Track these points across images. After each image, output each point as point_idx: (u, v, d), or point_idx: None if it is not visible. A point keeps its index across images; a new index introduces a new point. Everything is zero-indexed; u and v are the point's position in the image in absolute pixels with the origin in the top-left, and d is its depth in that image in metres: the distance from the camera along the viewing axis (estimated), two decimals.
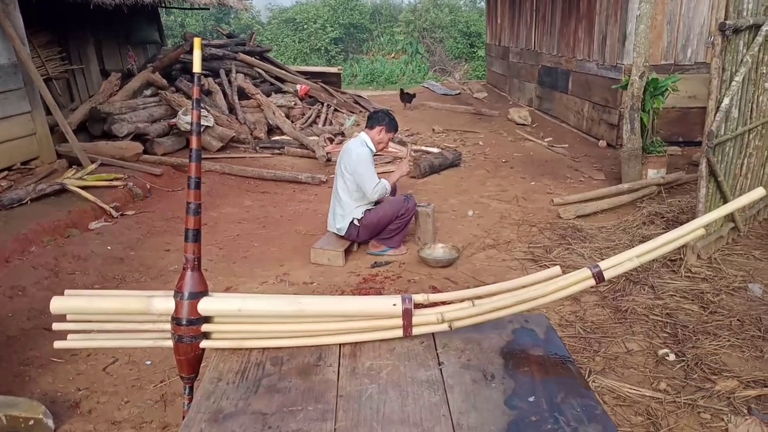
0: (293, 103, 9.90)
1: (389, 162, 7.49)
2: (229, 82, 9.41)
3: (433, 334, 1.57)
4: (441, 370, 1.44)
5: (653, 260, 4.03)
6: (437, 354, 1.51)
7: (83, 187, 5.54)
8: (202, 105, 7.67)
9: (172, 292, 1.52)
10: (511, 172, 7.02)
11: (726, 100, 3.81)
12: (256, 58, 10.79)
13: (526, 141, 8.73)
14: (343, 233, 4.55)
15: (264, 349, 1.55)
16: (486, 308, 1.50)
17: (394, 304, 1.50)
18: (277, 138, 8.61)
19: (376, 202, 4.55)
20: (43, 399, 2.78)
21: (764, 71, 4.22)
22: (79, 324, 1.54)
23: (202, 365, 1.58)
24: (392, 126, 4.53)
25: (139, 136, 7.27)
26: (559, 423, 1.24)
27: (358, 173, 4.34)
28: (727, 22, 3.64)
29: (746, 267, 4.06)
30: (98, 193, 5.53)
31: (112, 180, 5.91)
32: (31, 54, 6.47)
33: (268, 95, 9.84)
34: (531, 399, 1.32)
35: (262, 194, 6.43)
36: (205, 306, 1.50)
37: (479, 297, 1.54)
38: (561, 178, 6.65)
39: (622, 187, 5.70)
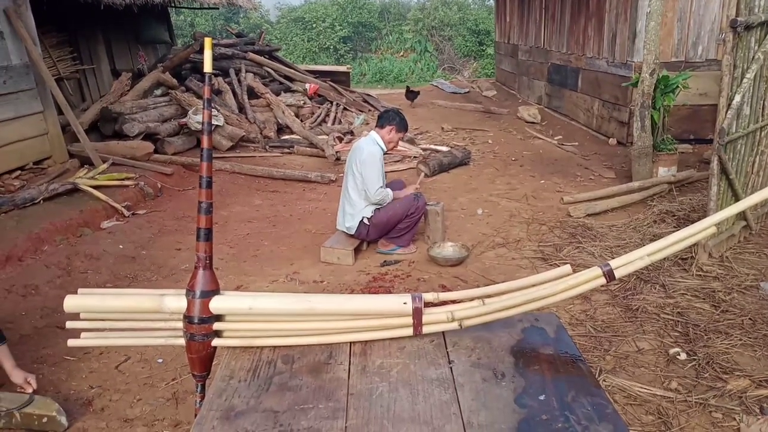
0: (302, 102, 9.92)
1: (398, 161, 7.49)
2: (239, 81, 9.44)
3: (443, 332, 1.58)
4: (451, 368, 1.45)
5: (664, 259, 4.00)
6: (447, 352, 1.52)
7: (95, 187, 5.58)
8: (212, 104, 7.71)
9: (183, 291, 1.53)
10: (520, 170, 7.00)
11: (737, 98, 3.79)
12: (265, 57, 10.82)
13: (536, 139, 8.71)
14: (352, 232, 4.56)
15: (275, 347, 1.56)
16: (496, 307, 1.50)
17: (405, 303, 1.51)
18: (286, 137, 8.63)
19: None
20: (57, 397, 2.80)
21: None
22: (92, 322, 1.55)
23: (213, 363, 1.59)
24: (402, 125, 4.53)
25: (149, 136, 7.31)
26: (569, 422, 1.24)
27: (365, 172, 4.34)
28: (739, 18, 3.62)
29: (758, 265, 4.03)
30: (110, 193, 5.57)
31: (123, 179, 5.95)
32: (42, 54, 6.52)
33: (278, 94, 9.86)
34: (541, 397, 1.32)
35: (271, 193, 6.45)
36: (216, 304, 1.51)
37: (489, 296, 1.54)
38: (571, 176, 6.62)
39: (632, 186, 5.67)
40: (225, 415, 1.30)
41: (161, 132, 7.45)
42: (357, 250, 4.58)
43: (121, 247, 4.79)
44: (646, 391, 2.76)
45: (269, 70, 10.55)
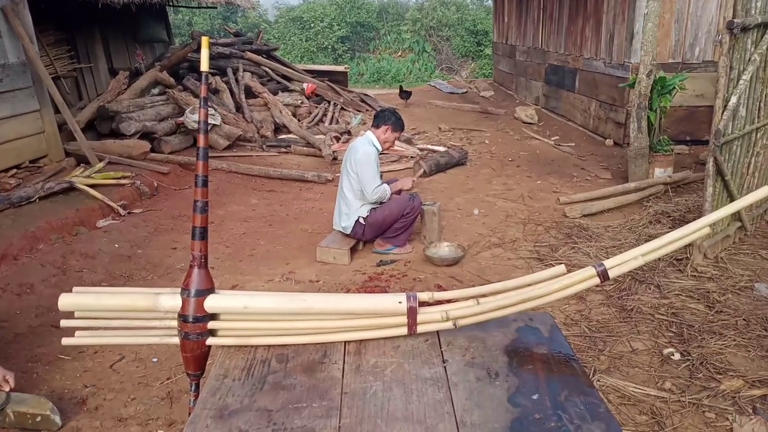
0: (300, 101, 9.92)
1: (395, 161, 7.49)
2: (237, 80, 9.44)
3: (437, 332, 1.58)
4: (445, 367, 1.45)
5: (659, 259, 4.02)
6: (441, 352, 1.52)
7: (91, 185, 5.57)
8: (209, 103, 7.70)
9: (178, 290, 1.53)
10: (517, 170, 7.01)
11: (733, 99, 3.80)
12: (263, 56, 10.82)
13: (533, 139, 8.72)
14: (348, 232, 4.56)
15: (269, 346, 1.56)
16: (490, 306, 1.50)
17: (399, 302, 1.51)
18: (283, 136, 8.63)
19: (381, 201, 4.55)
20: (51, 396, 2.80)
21: None
22: (86, 321, 1.55)
23: (208, 362, 1.60)
24: (398, 125, 4.53)
25: (146, 135, 7.30)
26: (562, 421, 1.24)
27: (361, 172, 4.35)
28: (735, 20, 3.63)
29: (753, 266, 4.04)
30: (106, 191, 5.57)
31: (119, 178, 5.94)
32: (39, 52, 6.51)
33: (275, 94, 9.86)
34: (535, 397, 1.33)
35: (268, 192, 6.45)
36: (211, 303, 1.51)
37: (484, 295, 1.54)
38: (567, 176, 6.63)
39: (628, 186, 5.68)
40: (219, 414, 1.30)
41: (158, 131, 7.44)
42: (353, 250, 4.58)
43: (116, 245, 4.79)
44: (640, 391, 2.77)
45: (267, 69, 10.54)
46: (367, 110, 10.68)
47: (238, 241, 5.00)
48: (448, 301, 1.56)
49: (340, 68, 13.42)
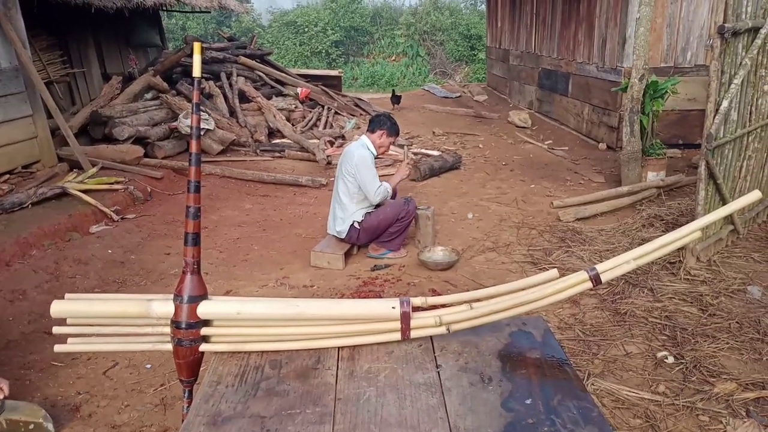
0: (294, 106, 9.92)
1: (389, 165, 7.50)
2: (230, 85, 9.43)
3: (431, 337, 1.58)
4: (439, 372, 1.45)
5: (652, 263, 4.04)
6: (435, 357, 1.52)
7: (84, 191, 5.55)
8: (202, 108, 7.69)
9: (171, 296, 1.53)
10: (510, 174, 7.03)
11: (725, 103, 3.82)
12: (256, 61, 10.82)
13: (526, 144, 8.75)
14: (343, 236, 4.56)
15: (263, 352, 1.56)
16: (483, 311, 1.50)
17: (393, 308, 1.51)
18: (277, 141, 8.62)
19: (377, 205, 4.56)
20: (44, 403, 2.78)
21: (763, 74, 4.23)
22: (79, 327, 1.55)
23: (201, 369, 1.59)
24: (393, 130, 4.54)
25: (139, 140, 7.29)
26: (555, 425, 1.24)
27: (361, 176, 4.35)
28: (726, 25, 3.65)
29: (745, 269, 4.06)
30: (99, 197, 5.55)
31: (112, 183, 5.92)
32: (32, 57, 6.49)
33: (269, 98, 9.86)
34: (528, 401, 1.33)
35: (262, 197, 6.44)
36: (204, 309, 1.51)
37: (477, 300, 1.54)
38: (561, 180, 6.66)
39: (621, 190, 5.71)
40: (212, 421, 1.30)
41: (151, 136, 7.43)
42: (347, 255, 4.58)
43: (109, 251, 4.77)
44: (633, 394, 2.77)
45: (261, 74, 10.54)
46: (361, 114, 10.69)
47: (231, 246, 4.99)
48: (442, 306, 1.56)
49: (334, 73, 13.44)
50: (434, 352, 1.54)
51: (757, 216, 4.76)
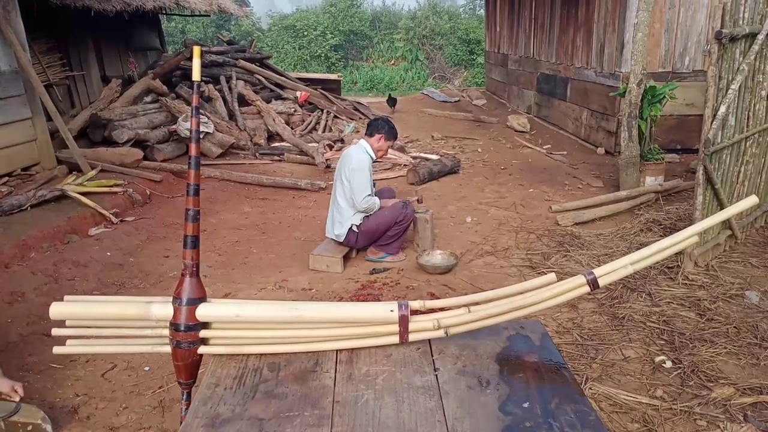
0: (293, 109, 9.92)
1: (388, 168, 7.51)
2: (230, 88, 9.44)
3: (429, 340, 1.59)
4: (437, 376, 1.46)
5: (650, 267, 4.04)
6: (433, 360, 1.53)
7: (83, 193, 5.55)
8: (202, 111, 7.69)
9: (170, 298, 1.53)
10: (509, 179, 7.04)
11: (723, 108, 3.84)
12: (256, 64, 10.83)
13: (525, 148, 8.76)
14: (341, 240, 4.56)
15: (261, 354, 1.56)
16: (481, 315, 1.51)
17: (391, 311, 1.52)
18: (276, 144, 8.63)
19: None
20: (42, 404, 2.78)
21: (760, 79, 4.25)
22: (78, 330, 1.55)
23: (199, 371, 1.59)
24: (391, 134, 4.55)
25: (139, 143, 7.29)
26: (553, 429, 1.25)
27: (354, 180, 4.35)
28: (724, 30, 3.67)
29: (743, 274, 4.07)
30: (98, 199, 5.55)
31: (112, 186, 5.92)
32: (32, 60, 6.49)
33: (268, 102, 9.87)
34: (525, 405, 1.33)
35: (261, 201, 6.44)
36: (203, 312, 1.51)
37: (475, 303, 1.55)
38: (559, 185, 6.67)
39: (619, 195, 5.72)
40: (210, 423, 1.30)
41: (151, 139, 7.43)
42: (346, 258, 4.58)
43: (108, 254, 4.77)
44: (631, 398, 2.78)
45: (260, 77, 10.55)
46: (360, 118, 10.70)
47: (230, 249, 4.99)
48: (440, 310, 1.57)
49: (333, 76, 13.46)
50: (432, 356, 1.55)
51: (755, 221, 4.77)
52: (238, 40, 14.83)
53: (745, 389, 2.83)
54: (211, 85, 9.38)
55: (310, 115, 10.09)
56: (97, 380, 3.09)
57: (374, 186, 4.62)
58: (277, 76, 11.03)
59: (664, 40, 7.34)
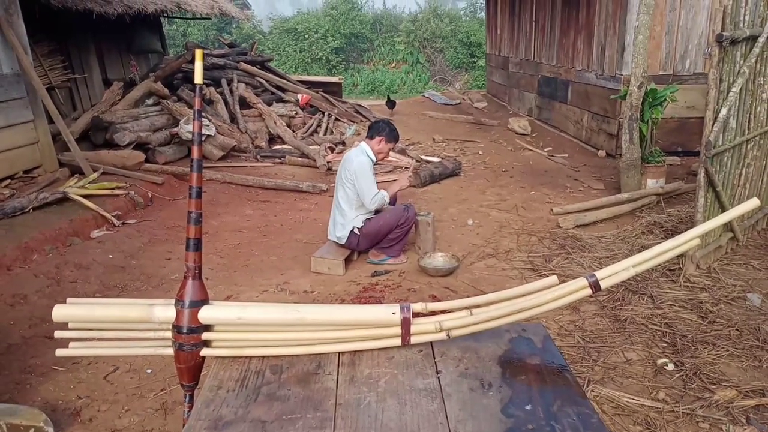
0: (294, 112, 9.94)
1: (389, 171, 7.51)
2: (231, 91, 9.45)
3: (431, 342, 1.59)
4: (439, 378, 1.46)
5: (652, 270, 4.04)
6: (435, 362, 1.53)
7: (85, 196, 5.56)
8: (203, 114, 7.70)
9: (173, 301, 1.53)
10: (510, 181, 7.04)
11: (724, 111, 3.84)
12: (257, 67, 10.84)
13: (526, 150, 8.76)
14: (343, 242, 4.57)
15: (264, 357, 1.56)
16: (483, 317, 1.51)
17: (393, 313, 1.52)
18: (278, 147, 8.65)
19: (376, 211, 4.57)
20: (44, 407, 2.78)
21: (761, 82, 4.25)
22: (80, 332, 1.55)
23: (202, 373, 1.60)
24: (392, 136, 4.55)
25: (140, 145, 7.30)
26: (555, 431, 1.25)
27: (358, 182, 4.36)
28: (724, 33, 3.67)
29: (745, 277, 4.07)
30: (100, 202, 5.56)
31: (113, 189, 5.94)
32: (33, 63, 6.51)
33: (270, 104, 9.88)
34: (528, 407, 1.33)
35: (262, 203, 6.45)
36: (205, 314, 1.51)
37: (477, 306, 1.55)
38: (560, 187, 6.67)
39: (621, 197, 5.72)
40: (213, 425, 1.30)
41: (152, 141, 7.45)
42: (347, 260, 4.59)
43: (110, 256, 4.77)
44: (633, 401, 2.78)
45: (261, 80, 10.57)
46: (361, 121, 10.71)
47: (232, 251, 5.00)
48: (442, 312, 1.57)
49: (334, 79, 13.48)
50: (434, 358, 1.55)
51: (756, 223, 4.77)
52: (239, 43, 14.84)
53: (747, 392, 2.83)
54: (212, 88, 9.39)
55: (311, 118, 10.10)
56: (100, 383, 3.09)
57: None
58: (279, 78, 11.04)
59: (664, 42, 7.34)
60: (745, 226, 4.60)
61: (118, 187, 5.99)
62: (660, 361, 3.11)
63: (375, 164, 4.61)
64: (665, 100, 5.97)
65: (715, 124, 3.84)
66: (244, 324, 1.54)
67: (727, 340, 3.28)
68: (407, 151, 8.45)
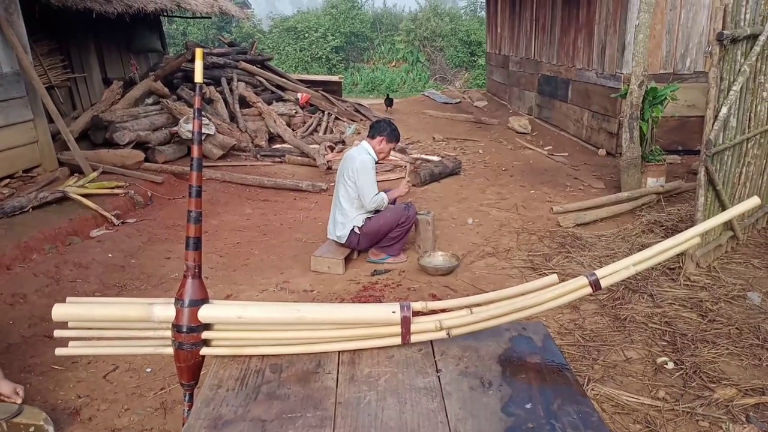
0: (294, 111, 9.94)
1: (389, 170, 7.51)
2: (231, 90, 9.45)
3: (431, 341, 1.59)
4: (439, 377, 1.46)
5: (652, 268, 4.04)
6: (435, 361, 1.53)
7: (85, 195, 5.56)
8: (203, 113, 7.70)
9: (172, 300, 1.53)
10: (510, 180, 7.04)
11: (724, 109, 3.84)
12: (257, 66, 10.84)
13: (526, 149, 8.76)
14: (343, 241, 4.57)
15: (263, 356, 1.56)
16: (483, 316, 1.51)
17: (393, 312, 1.52)
18: (277, 146, 8.64)
19: (376, 210, 4.56)
20: (44, 406, 2.78)
21: (762, 81, 4.24)
22: (80, 331, 1.55)
23: (202, 372, 1.59)
24: (393, 136, 4.55)
25: (140, 144, 7.30)
26: (555, 430, 1.25)
27: (360, 181, 4.36)
28: (725, 32, 3.67)
29: (745, 275, 4.07)
30: (99, 201, 5.56)
31: (113, 188, 5.93)
32: (33, 62, 6.50)
33: (269, 103, 9.88)
34: (528, 406, 1.33)
35: (262, 202, 6.45)
36: (205, 313, 1.51)
37: (477, 305, 1.55)
38: (560, 186, 6.66)
39: (621, 196, 5.72)
40: (213, 424, 1.30)
41: (152, 141, 7.44)
42: (347, 260, 4.58)
43: (110, 255, 4.77)
44: (633, 400, 2.77)
45: (261, 79, 10.57)
46: (361, 120, 10.71)
47: (232, 250, 4.99)
48: (442, 311, 1.57)
49: (334, 78, 13.49)
50: (434, 357, 1.55)
51: (756, 222, 4.77)
52: (239, 42, 14.85)
53: (747, 390, 2.83)
54: (212, 87, 9.39)
55: (311, 117, 10.10)
56: (99, 382, 3.09)
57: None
58: (278, 77, 11.04)
59: (665, 41, 7.34)
60: (745, 224, 4.59)
61: (118, 187, 5.99)
62: (660, 360, 3.11)
63: (376, 163, 4.60)
64: (666, 98, 5.97)
65: (716, 123, 3.84)
66: (244, 323, 1.54)
67: (727, 339, 3.28)
68: (407, 150, 8.45)
